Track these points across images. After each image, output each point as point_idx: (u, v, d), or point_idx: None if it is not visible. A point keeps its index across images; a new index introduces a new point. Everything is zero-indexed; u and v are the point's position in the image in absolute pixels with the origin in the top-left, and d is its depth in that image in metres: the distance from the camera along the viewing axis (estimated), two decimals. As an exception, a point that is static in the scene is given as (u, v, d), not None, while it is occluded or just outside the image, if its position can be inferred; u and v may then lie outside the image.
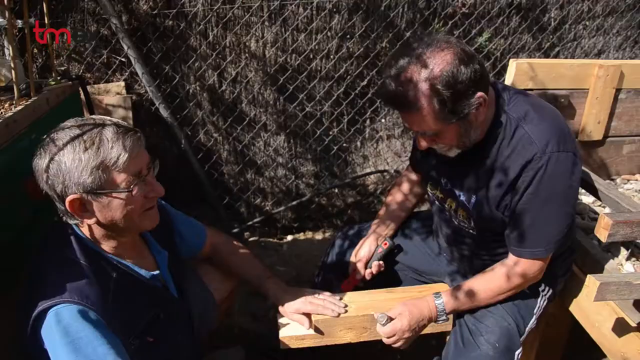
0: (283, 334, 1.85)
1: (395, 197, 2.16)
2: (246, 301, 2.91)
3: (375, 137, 3.43)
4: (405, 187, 2.15)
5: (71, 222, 1.35)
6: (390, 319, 1.74)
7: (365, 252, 2.03)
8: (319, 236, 3.54)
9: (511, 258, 1.69)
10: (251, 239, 3.45)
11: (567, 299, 1.95)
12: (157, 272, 1.53)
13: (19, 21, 2.24)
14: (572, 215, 1.66)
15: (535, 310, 1.83)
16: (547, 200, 1.56)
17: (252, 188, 3.34)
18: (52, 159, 1.27)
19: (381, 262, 2.03)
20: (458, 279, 1.95)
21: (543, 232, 1.61)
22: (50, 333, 1.22)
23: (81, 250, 1.35)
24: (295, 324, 1.87)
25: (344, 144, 3.38)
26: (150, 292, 1.50)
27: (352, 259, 2.06)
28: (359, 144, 3.42)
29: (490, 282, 1.74)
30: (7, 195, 1.47)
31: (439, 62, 1.43)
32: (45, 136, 1.32)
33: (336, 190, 3.52)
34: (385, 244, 2.03)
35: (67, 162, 1.26)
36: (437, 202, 1.92)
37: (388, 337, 1.76)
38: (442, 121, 1.49)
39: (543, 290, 1.84)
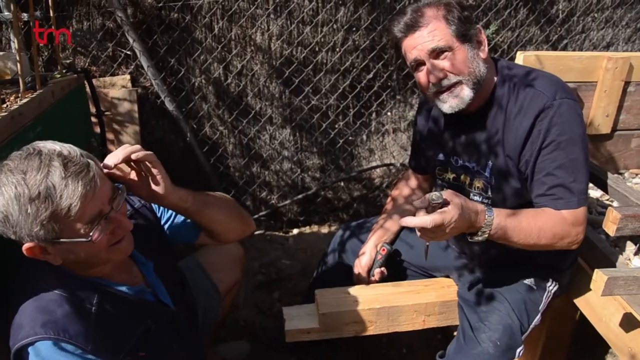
0: (289, 327, 1.86)
1: (395, 201, 2.16)
2: (252, 294, 2.92)
3: (381, 130, 3.42)
4: (405, 190, 2.16)
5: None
6: (444, 205, 1.46)
7: (367, 260, 2.03)
8: (324, 230, 3.53)
9: (560, 211, 1.60)
10: (257, 232, 3.45)
11: (574, 293, 1.94)
12: (141, 285, 1.46)
13: (25, 14, 2.24)
14: (587, 162, 1.63)
15: (540, 307, 1.82)
16: (569, 143, 1.56)
17: (258, 181, 3.34)
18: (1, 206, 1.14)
19: (383, 268, 2.03)
20: (466, 274, 1.94)
21: (573, 179, 1.58)
22: None
23: (58, 278, 1.27)
24: (301, 317, 1.88)
25: (350, 137, 3.36)
26: (138, 307, 1.43)
27: (355, 268, 2.06)
28: (364, 137, 3.41)
29: (537, 218, 1.58)
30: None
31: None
32: None
33: (342, 184, 3.51)
34: (384, 250, 2.02)
35: (14, 215, 1.14)
36: (447, 187, 1.90)
37: (432, 226, 1.44)
38: (454, 34, 1.60)
39: (550, 286, 1.83)
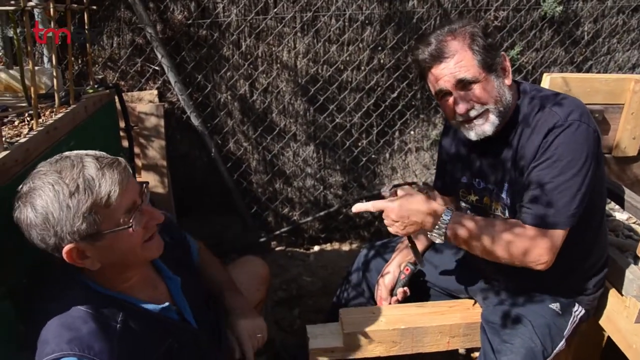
0: (313, 345, 1.85)
1: None
2: (272, 310, 2.91)
3: (404, 149, 3.42)
4: None
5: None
6: (395, 195, 1.68)
7: (390, 279, 2.03)
8: (345, 247, 3.53)
9: (526, 227, 1.60)
10: (278, 248, 3.46)
11: (602, 318, 1.91)
12: (166, 304, 1.44)
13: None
14: (587, 192, 1.57)
15: (565, 332, 1.79)
16: (566, 164, 1.54)
17: (280, 198, 3.35)
18: (36, 211, 1.16)
19: (406, 288, 2.01)
20: (491, 297, 1.92)
21: (554, 199, 1.56)
22: None
23: (84, 295, 1.28)
24: (325, 336, 1.87)
25: (373, 156, 3.37)
26: (162, 326, 1.42)
27: (378, 287, 2.06)
28: (387, 155, 3.41)
29: (502, 232, 1.60)
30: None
31: (467, 27, 1.63)
32: (20, 187, 1.20)
33: (364, 202, 3.49)
34: (407, 269, 2.01)
35: (55, 213, 1.16)
36: (471, 210, 1.91)
37: (374, 209, 1.70)
38: (479, 64, 1.59)
39: (576, 311, 1.81)
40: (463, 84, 1.60)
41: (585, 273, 1.79)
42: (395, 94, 3.21)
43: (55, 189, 1.16)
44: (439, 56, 1.60)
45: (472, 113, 1.64)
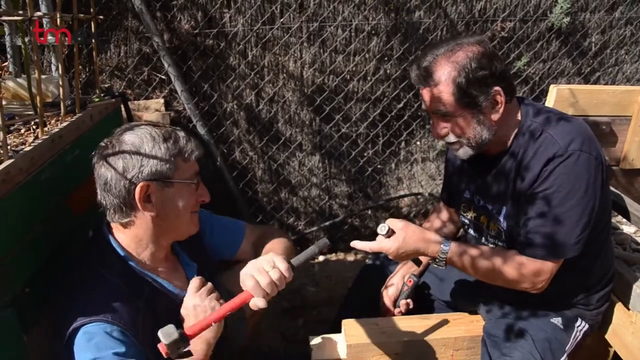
0: (315, 356, 1.84)
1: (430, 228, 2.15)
2: (276, 320, 2.90)
3: (410, 159, 3.41)
4: (436, 222, 2.15)
5: (123, 220, 1.39)
6: (392, 233, 1.65)
7: (393, 291, 2.02)
8: (350, 258, 3.51)
9: (522, 257, 1.62)
10: (283, 258, 3.44)
11: (609, 334, 1.89)
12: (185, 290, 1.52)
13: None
14: (589, 221, 1.57)
15: (567, 347, 1.77)
16: (565, 195, 1.53)
17: (286, 207, 3.35)
18: (132, 144, 1.35)
19: (409, 300, 2.00)
20: (494, 310, 1.91)
21: (552, 231, 1.56)
22: (81, 350, 1.23)
23: (115, 266, 1.37)
24: (328, 347, 1.86)
25: (379, 166, 3.36)
26: (179, 310, 1.48)
27: (382, 298, 2.05)
28: (393, 166, 3.41)
29: (499, 261, 1.63)
30: (50, 210, 1.49)
31: (466, 50, 1.56)
32: (116, 130, 1.42)
33: (369, 212, 3.50)
34: (410, 281, 2.00)
35: (147, 149, 1.35)
36: (468, 227, 1.92)
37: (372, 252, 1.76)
38: (456, 101, 1.56)
39: (579, 326, 1.79)
40: (439, 114, 1.62)
41: (590, 288, 1.77)
42: (401, 105, 3.21)
43: (151, 132, 1.38)
44: (424, 79, 1.60)
45: (446, 139, 1.67)
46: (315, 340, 1.90)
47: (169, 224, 1.44)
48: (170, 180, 1.39)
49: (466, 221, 1.91)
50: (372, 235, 3.51)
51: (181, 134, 1.44)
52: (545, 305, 1.81)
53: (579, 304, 1.79)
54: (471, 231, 1.90)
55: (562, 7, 3.10)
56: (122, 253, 1.41)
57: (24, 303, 1.30)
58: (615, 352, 1.89)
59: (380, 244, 1.64)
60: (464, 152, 1.67)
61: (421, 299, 2.09)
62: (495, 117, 1.59)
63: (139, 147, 1.35)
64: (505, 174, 1.68)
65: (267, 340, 2.76)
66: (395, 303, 2.01)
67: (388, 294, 2.02)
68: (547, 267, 1.59)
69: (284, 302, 3.06)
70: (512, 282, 1.63)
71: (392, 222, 1.65)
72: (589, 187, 1.53)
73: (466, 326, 1.96)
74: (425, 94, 1.62)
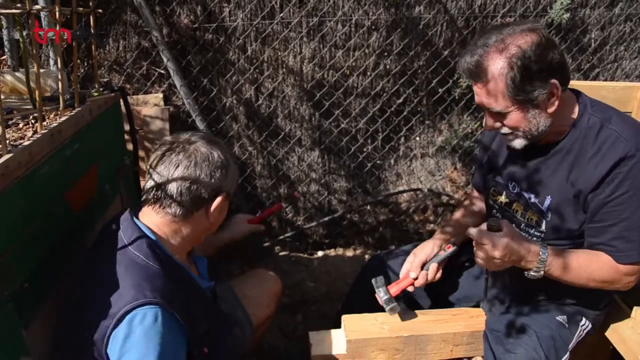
0: (315, 352, 1.84)
1: (462, 211, 2.12)
2: (276, 317, 2.90)
3: (410, 155, 3.41)
4: (472, 203, 2.12)
5: (177, 216, 1.46)
6: (499, 230, 1.56)
7: (425, 252, 1.91)
8: (349, 253, 3.51)
9: (610, 259, 1.59)
10: (282, 253, 3.45)
11: (608, 330, 1.89)
12: (209, 283, 1.63)
13: (65, 34, 2.28)
14: None
15: (570, 345, 1.77)
16: None
17: (285, 202, 3.34)
18: (223, 157, 1.49)
19: (439, 266, 1.88)
20: (497, 305, 1.91)
21: (637, 233, 1.54)
22: (131, 333, 1.24)
23: (154, 253, 1.40)
24: (328, 342, 1.86)
25: (378, 161, 3.36)
26: (205, 303, 1.55)
27: (408, 260, 1.93)
28: (392, 161, 3.40)
29: (591, 264, 1.59)
30: (50, 204, 1.48)
31: (519, 42, 1.48)
32: (189, 136, 1.51)
33: (368, 208, 3.50)
34: (449, 247, 1.90)
35: (233, 166, 1.53)
36: (496, 211, 1.88)
37: (480, 244, 1.57)
38: (510, 98, 1.52)
39: (583, 325, 1.78)
40: (492, 111, 1.59)
41: (598, 289, 1.75)
42: (401, 100, 3.20)
43: (230, 157, 1.53)
44: (476, 75, 1.55)
45: (501, 130, 1.64)
46: (315, 336, 1.89)
47: (210, 231, 1.58)
48: (230, 196, 1.54)
49: (495, 206, 1.89)
50: (371, 231, 3.53)
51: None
52: (551, 303, 1.80)
53: (585, 303, 1.79)
54: (499, 215, 1.87)
55: (562, 3, 3.09)
56: (154, 239, 1.45)
57: (24, 298, 1.30)
58: (614, 349, 1.89)
59: (490, 238, 1.54)
60: (519, 143, 1.63)
61: (425, 294, 2.07)
62: (551, 109, 1.55)
63: (227, 161, 1.49)
64: (556, 165, 1.66)
65: (266, 336, 2.76)
66: (422, 266, 1.89)
67: (416, 256, 1.91)
68: (637, 267, 1.58)
69: (283, 297, 3.06)
70: (606, 284, 1.61)
71: (501, 220, 1.60)
72: None
73: (466, 322, 1.96)
74: (477, 89, 1.58)
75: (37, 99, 1.47)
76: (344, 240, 3.55)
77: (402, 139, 3.36)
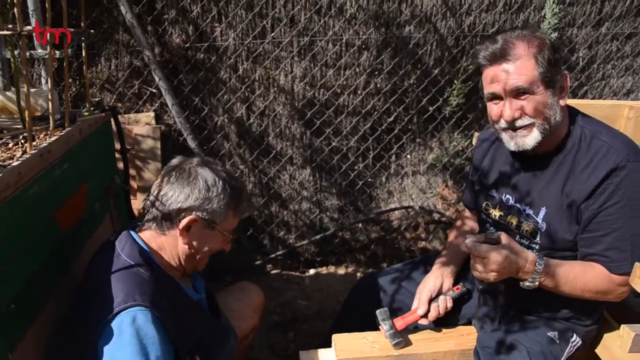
0: (305, 372, 1.83)
1: (455, 233, 2.13)
2: (267, 334, 2.89)
3: (401, 173, 3.42)
4: (464, 223, 2.13)
5: (157, 230, 1.53)
6: (497, 243, 1.57)
7: (430, 287, 1.90)
8: (341, 271, 3.51)
9: (604, 269, 1.61)
10: (273, 271, 3.44)
11: (599, 347, 1.89)
12: (202, 295, 1.67)
13: (58, 52, 2.29)
14: None
15: None
16: (633, 208, 1.54)
17: (276, 220, 3.34)
18: (207, 180, 1.50)
19: (450, 302, 1.87)
20: (487, 323, 1.91)
21: (630, 244, 1.56)
22: (121, 333, 1.28)
23: (145, 262, 1.45)
24: (318, 362, 1.85)
25: (369, 179, 3.37)
26: (197, 313, 1.58)
27: (416, 296, 1.92)
28: (384, 179, 3.42)
29: (585, 274, 1.60)
30: (38, 225, 1.48)
31: (538, 36, 1.60)
32: (197, 161, 1.56)
33: (360, 225, 3.50)
34: (458, 288, 1.91)
35: (216, 192, 1.51)
36: (489, 225, 1.89)
37: (478, 257, 1.57)
38: (539, 75, 1.56)
39: (573, 341, 1.79)
40: (517, 92, 1.58)
41: (589, 304, 1.76)
42: (391, 118, 3.23)
43: (225, 178, 1.54)
44: (502, 56, 1.58)
45: (518, 123, 1.62)
46: (305, 355, 1.88)
47: (192, 254, 1.57)
48: (214, 225, 1.54)
49: (489, 220, 1.90)
50: (362, 249, 3.53)
51: (246, 193, 1.62)
52: (541, 319, 1.81)
53: (574, 319, 1.79)
54: (492, 229, 1.86)
55: (550, 22, 3.13)
56: (147, 249, 1.51)
57: (10, 320, 1.29)
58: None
59: (490, 250, 1.54)
60: (533, 138, 1.62)
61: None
62: (563, 102, 1.61)
63: (210, 186, 1.50)
64: (550, 176, 1.67)
65: (258, 354, 2.74)
66: (430, 301, 1.88)
67: (422, 292, 1.89)
68: (630, 277, 1.58)
69: (274, 315, 3.05)
70: (600, 294, 1.62)
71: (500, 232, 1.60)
72: None
73: (456, 340, 1.95)
74: (501, 69, 1.59)
75: (27, 118, 1.48)
76: (336, 258, 3.55)
77: (393, 157, 3.37)
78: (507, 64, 1.57)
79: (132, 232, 1.54)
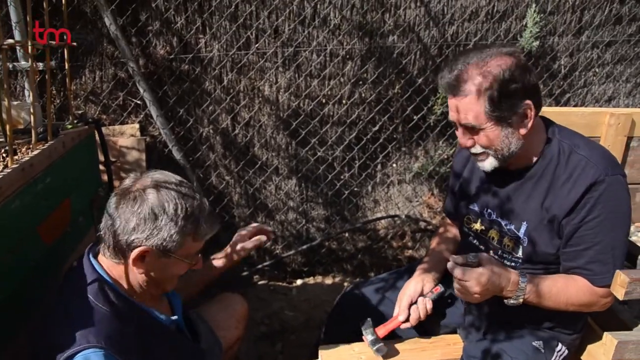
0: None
1: (437, 239, 2.13)
2: (254, 345, 2.87)
3: (387, 182, 3.43)
4: (445, 231, 2.13)
5: (113, 259, 1.40)
6: (479, 265, 1.57)
7: (410, 292, 1.88)
8: (328, 281, 3.50)
9: (587, 282, 1.62)
10: (260, 282, 3.43)
11: (584, 355, 1.90)
12: (175, 317, 1.58)
13: (40, 64, 2.29)
14: (628, 235, 1.63)
15: None
16: (613, 221, 1.56)
17: (263, 231, 3.33)
18: (152, 208, 1.34)
19: (430, 304, 1.86)
20: (473, 333, 1.91)
21: (611, 256, 1.57)
22: None
23: (103, 294, 1.36)
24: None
25: (355, 189, 3.38)
26: (170, 337, 1.53)
27: (397, 303, 1.91)
28: (370, 188, 3.42)
29: (568, 288, 1.62)
30: (21, 238, 1.47)
31: (499, 62, 1.53)
32: (149, 181, 1.38)
33: (347, 235, 3.50)
34: (437, 289, 1.90)
35: (164, 221, 1.34)
36: (472, 238, 1.89)
37: (460, 281, 1.57)
38: (486, 115, 1.54)
39: (559, 350, 1.79)
40: (467, 127, 1.60)
41: (572, 313, 1.77)
42: (376, 128, 3.24)
43: (177, 202, 1.36)
44: (454, 89, 1.57)
45: (472, 150, 1.65)
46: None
47: (155, 282, 1.46)
48: (170, 254, 1.39)
49: (471, 233, 1.90)
50: (350, 259, 3.53)
51: (205, 213, 1.42)
52: (526, 328, 1.81)
53: (559, 328, 1.80)
54: (475, 242, 1.88)
55: (531, 31, 3.17)
56: (109, 280, 1.40)
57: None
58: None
59: (470, 273, 1.55)
60: (490, 164, 1.65)
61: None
62: (523, 131, 1.58)
63: (158, 214, 1.34)
64: (530, 191, 1.68)
65: (245, 366, 2.73)
66: (410, 305, 1.87)
67: (403, 298, 1.88)
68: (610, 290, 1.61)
69: (261, 326, 3.04)
70: (584, 307, 1.64)
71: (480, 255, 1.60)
72: (629, 208, 1.58)
73: (443, 349, 1.95)
74: (454, 104, 1.59)
75: (8, 132, 1.47)
76: (323, 268, 3.54)
77: (379, 166, 3.38)
78: (458, 99, 1.58)
79: (92, 260, 1.42)
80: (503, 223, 1.76)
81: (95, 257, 1.45)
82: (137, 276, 1.42)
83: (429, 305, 1.86)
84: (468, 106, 1.56)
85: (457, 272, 1.56)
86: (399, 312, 1.88)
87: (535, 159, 1.66)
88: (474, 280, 1.54)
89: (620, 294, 1.47)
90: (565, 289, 1.61)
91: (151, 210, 1.33)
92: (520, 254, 1.73)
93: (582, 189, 1.55)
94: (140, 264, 1.38)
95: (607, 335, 1.48)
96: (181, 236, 1.37)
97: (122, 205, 1.35)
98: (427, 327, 2.00)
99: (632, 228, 2.59)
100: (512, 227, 1.73)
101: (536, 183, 1.66)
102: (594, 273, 1.59)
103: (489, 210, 1.81)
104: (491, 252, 1.81)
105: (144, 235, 1.34)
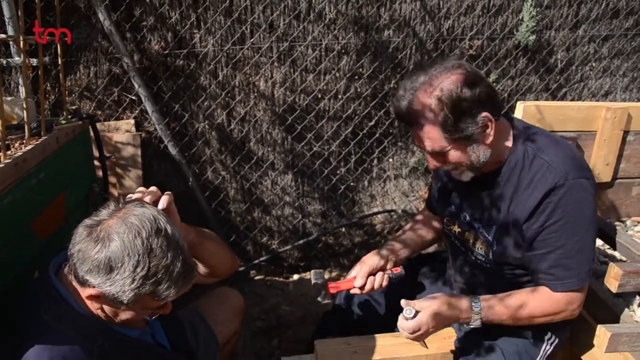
0: (289, 378, 1.82)
1: (413, 225, 2.13)
2: (251, 341, 2.87)
3: (383, 176, 3.43)
4: (423, 219, 2.14)
5: (75, 283, 1.31)
6: (417, 313, 1.60)
7: (372, 263, 1.88)
8: (325, 276, 3.50)
9: (553, 292, 1.63)
10: (257, 277, 3.43)
11: (579, 347, 1.91)
12: (140, 328, 1.49)
13: (34, 60, 2.28)
14: (595, 242, 1.62)
15: (537, 359, 1.79)
16: (575, 225, 1.55)
17: (259, 226, 3.33)
18: (112, 255, 1.20)
19: (386, 277, 1.88)
20: (465, 325, 1.91)
21: (575, 261, 1.57)
22: None
23: (64, 316, 1.30)
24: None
25: (352, 184, 3.38)
26: (139, 351, 1.48)
27: (356, 267, 1.91)
28: (366, 183, 3.42)
29: (529, 301, 1.63)
30: (14, 233, 1.47)
31: (445, 82, 1.50)
32: (120, 223, 1.23)
33: (343, 230, 3.50)
34: (397, 269, 1.91)
35: (120, 276, 1.21)
36: (453, 239, 1.91)
37: (411, 333, 1.61)
38: (447, 139, 1.54)
39: (550, 339, 1.80)
40: (433, 153, 1.61)
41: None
42: (372, 122, 3.23)
43: (140, 255, 1.20)
44: (407, 121, 1.58)
45: (444, 167, 1.66)
46: (288, 361, 1.88)
47: (106, 317, 1.37)
48: (123, 305, 1.27)
49: (451, 235, 1.91)
50: (346, 253, 3.53)
51: (172, 275, 1.25)
52: None
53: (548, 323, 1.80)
54: (457, 243, 1.90)
55: (527, 25, 3.16)
56: (69, 300, 1.33)
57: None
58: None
59: (415, 323, 1.59)
60: (467, 176, 1.66)
61: (394, 305, 2.06)
62: (488, 140, 1.56)
63: (114, 267, 1.20)
64: (497, 196, 1.68)
65: (242, 361, 2.73)
66: (368, 276, 1.87)
67: (363, 265, 1.88)
68: (579, 294, 1.61)
69: (258, 322, 3.04)
70: (550, 317, 1.64)
71: (419, 303, 1.62)
72: (593, 211, 1.57)
73: (438, 343, 1.95)
74: (413, 133, 1.60)
75: (1, 127, 1.47)
76: (320, 263, 3.54)
77: (375, 161, 3.38)
78: (414, 128, 1.58)
79: (53, 279, 1.34)
80: (476, 226, 1.77)
81: (57, 273, 1.37)
82: (96, 307, 1.33)
83: (385, 282, 1.87)
84: (427, 135, 1.55)
85: (403, 328, 1.61)
86: (356, 276, 1.88)
87: (503, 162, 1.66)
88: (420, 325, 1.58)
89: (614, 287, 1.48)
90: (525, 305, 1.63)
91: (107, 261, 1.20)
92: (491, 257, 1.75)
93: (540, 194, 1.55)
94: (95, 299, 1.28)
95: (600, 328, 1.48)
96: (135, 295, 1.23)
97: (85, 241, 1.23)
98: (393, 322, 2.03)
99: (629, 222, 2.59)
100: (484, 230, 1.74)
101: (504, 187, 1.67)
102: (557, 277, 1.59)
103: (464, 213, 1.82)
104: (470, 253, 1.84)
105: (96, 282, 1.22)
